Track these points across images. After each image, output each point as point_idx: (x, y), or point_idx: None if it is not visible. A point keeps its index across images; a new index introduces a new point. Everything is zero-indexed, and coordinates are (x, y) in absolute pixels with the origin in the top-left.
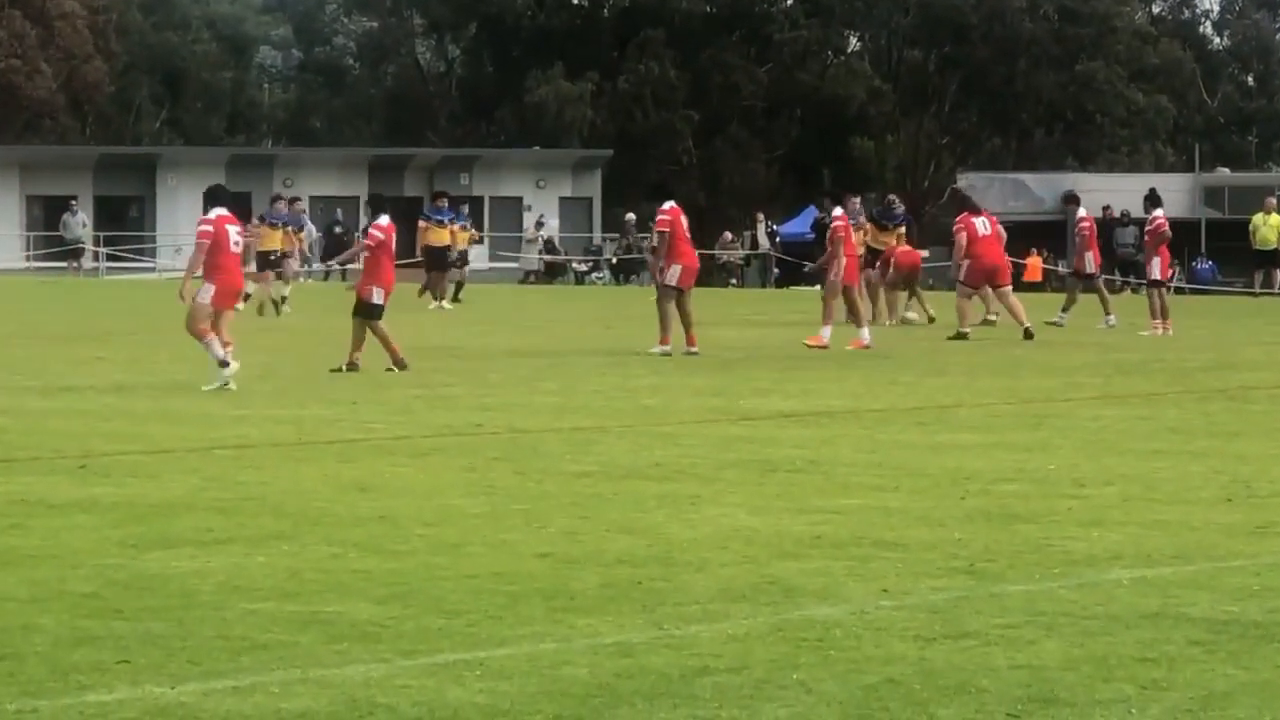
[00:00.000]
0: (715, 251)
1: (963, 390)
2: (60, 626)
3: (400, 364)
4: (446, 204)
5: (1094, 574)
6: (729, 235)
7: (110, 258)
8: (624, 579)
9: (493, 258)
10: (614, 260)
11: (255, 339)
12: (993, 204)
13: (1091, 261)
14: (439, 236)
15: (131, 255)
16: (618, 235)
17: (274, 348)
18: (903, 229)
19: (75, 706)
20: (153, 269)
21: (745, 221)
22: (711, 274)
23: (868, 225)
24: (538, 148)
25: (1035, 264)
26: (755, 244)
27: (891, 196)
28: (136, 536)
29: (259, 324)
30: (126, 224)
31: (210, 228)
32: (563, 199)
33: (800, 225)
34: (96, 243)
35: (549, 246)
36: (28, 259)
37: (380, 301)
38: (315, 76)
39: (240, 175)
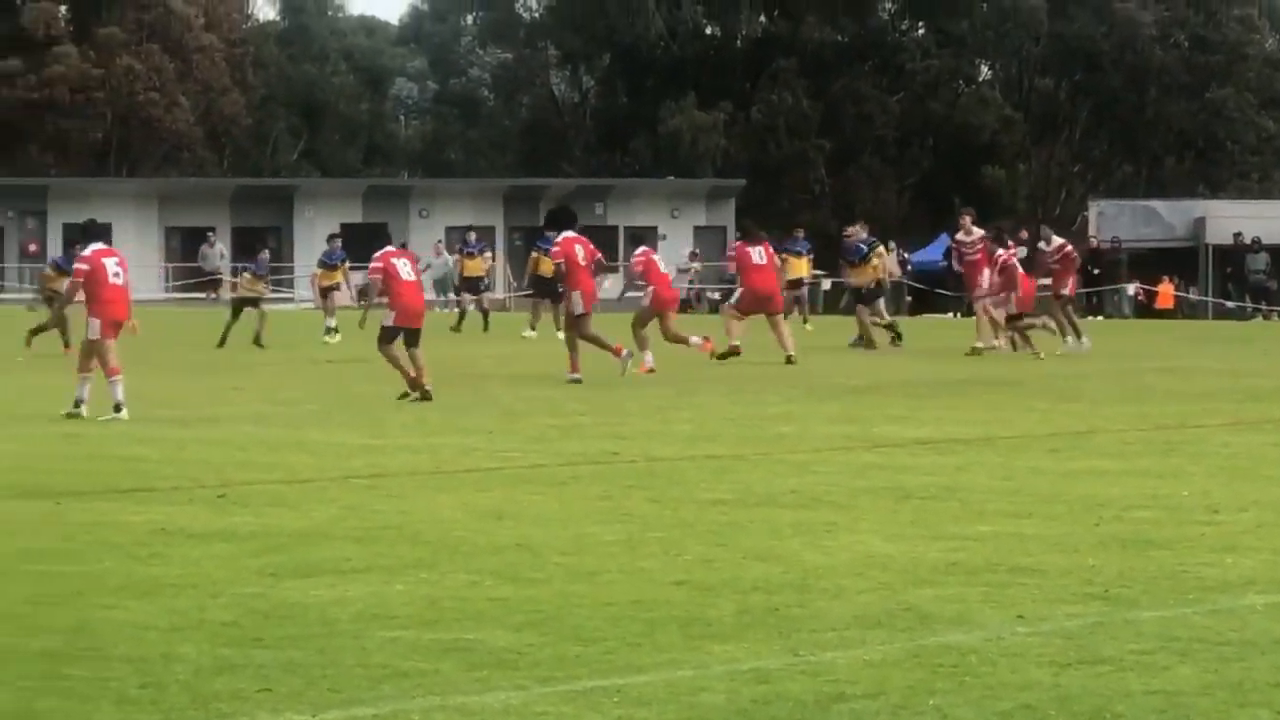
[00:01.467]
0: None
1: (1094, 417)
2: (201, 655)
3: (420, 389)
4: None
5: (1228, 600)
6: None
7: None
8: (760, 606)
9: (627, 287)
10: None
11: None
12: (1124, 231)
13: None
14: (548, 267)
15: (268, 286)
16: None
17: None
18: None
19: None
20: (290, 300)
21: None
22: (844, 302)
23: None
24: (672, 177)
25: (1167, 291)
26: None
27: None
28: (276, 565)
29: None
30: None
31: (86, 265)
32: (697, 228)
33: (933, 253)
34: (234, 274)
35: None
36: (166, 290)
37: (391, 324)
38: (451, 108)
39: (377, 207)
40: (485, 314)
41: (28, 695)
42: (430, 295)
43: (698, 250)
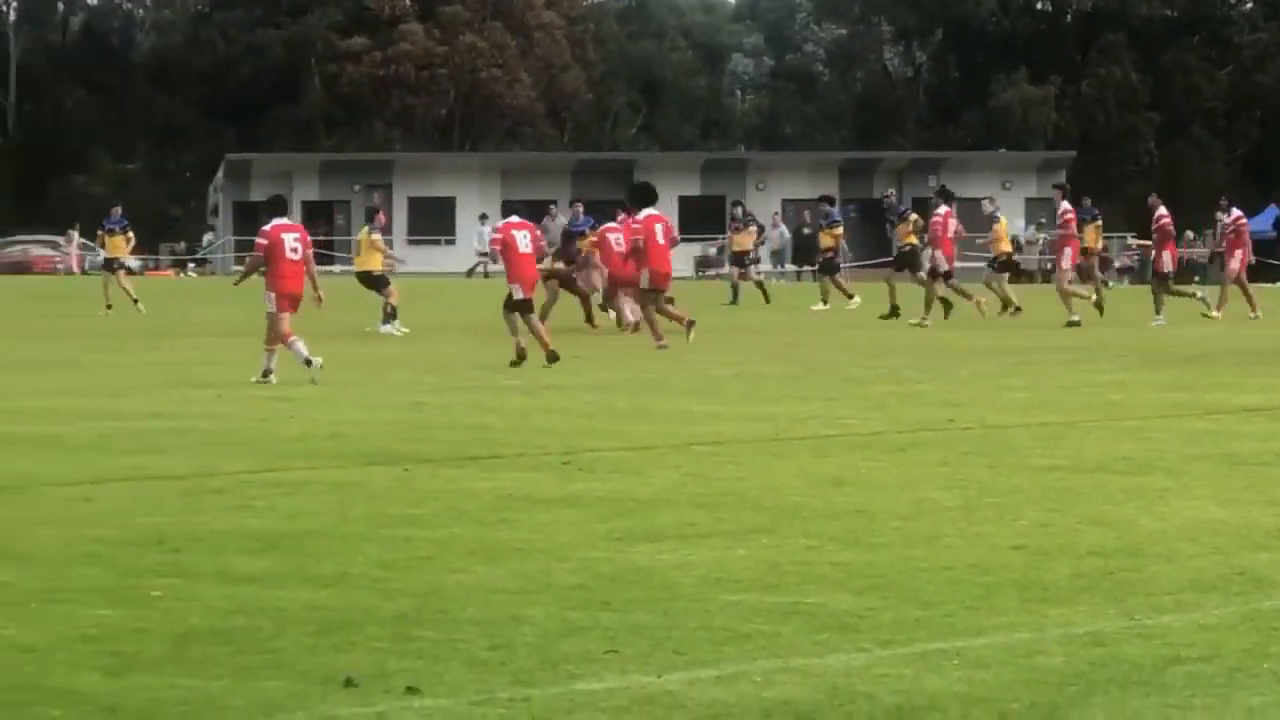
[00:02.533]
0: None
1: None
2: (549, 618)
3: (551, 356)
4: (833, 207)
5: None
6: (1191, 234)
7: None
8: (1095, 570)
9: (960, 257)
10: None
11: (727, 339)
12: None
13: (1169, 260)
14: (826, 240)
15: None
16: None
17: (744, 347)
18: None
19: (565, 695)
20: None
21: (1207, 220)
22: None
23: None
24: (1003, 150)
25: None
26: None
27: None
28: (621, 530)
29: (730, 322)
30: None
31: (265, 240)
32: (1028, 200)
33: (1261, 223)
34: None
35: (1017, 245)
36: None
37: (520, 296)
38: (786, 83)
39: (714, 179)
40: (760, 285)
41: (381, 656)
42: (766, 266)
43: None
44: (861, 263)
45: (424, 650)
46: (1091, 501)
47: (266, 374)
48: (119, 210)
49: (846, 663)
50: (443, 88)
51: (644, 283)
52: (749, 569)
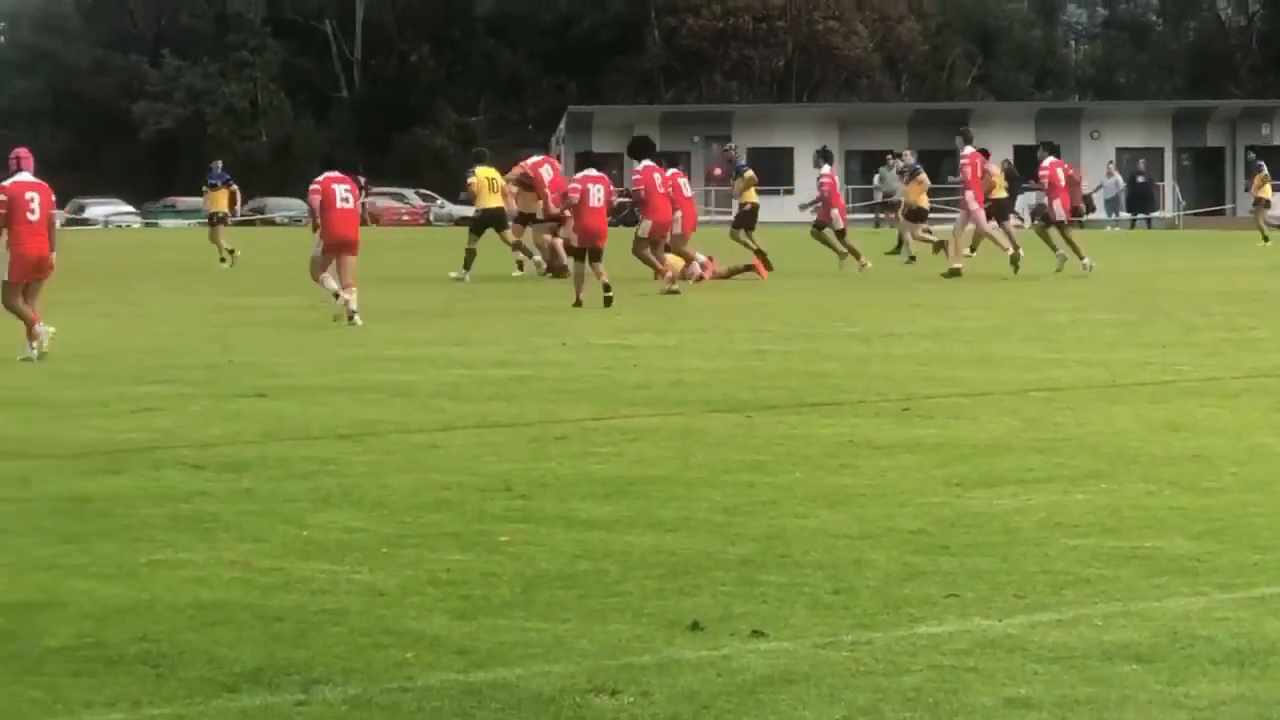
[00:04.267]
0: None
1: None
2: (890, 562)
3: (579, 303)
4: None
5: None
6: None
7: None
8: None
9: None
10: None
11: (1063, 286)
12: None
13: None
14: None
15: (945, 208)
16: None
17: (1081, 294)
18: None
19: (907, 638)
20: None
21: None
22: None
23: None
24: None
25: None
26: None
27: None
28: (959, 475)
29: (1064, 269)
30: (940, 179)
31: (318, 187)
32: None
33: None
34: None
35: None
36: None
37: (576, 244)
38: (1120, 33)
39: (1048, 128)
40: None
41: (726, 600)
42: (1101, 214)
43: None
44: (1195, 210)
45: (768, 594)
46: None
47: (351, 315)
48: (220, 165)
49: (1185, 606)
50: (780, 39)
51: (643, 231)
52: (1088, 513)
